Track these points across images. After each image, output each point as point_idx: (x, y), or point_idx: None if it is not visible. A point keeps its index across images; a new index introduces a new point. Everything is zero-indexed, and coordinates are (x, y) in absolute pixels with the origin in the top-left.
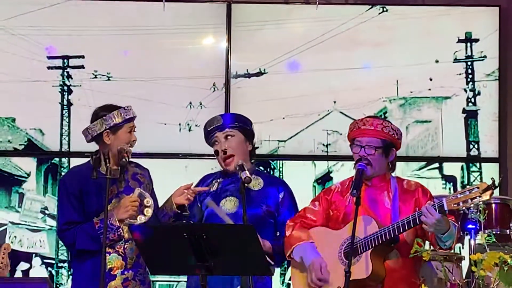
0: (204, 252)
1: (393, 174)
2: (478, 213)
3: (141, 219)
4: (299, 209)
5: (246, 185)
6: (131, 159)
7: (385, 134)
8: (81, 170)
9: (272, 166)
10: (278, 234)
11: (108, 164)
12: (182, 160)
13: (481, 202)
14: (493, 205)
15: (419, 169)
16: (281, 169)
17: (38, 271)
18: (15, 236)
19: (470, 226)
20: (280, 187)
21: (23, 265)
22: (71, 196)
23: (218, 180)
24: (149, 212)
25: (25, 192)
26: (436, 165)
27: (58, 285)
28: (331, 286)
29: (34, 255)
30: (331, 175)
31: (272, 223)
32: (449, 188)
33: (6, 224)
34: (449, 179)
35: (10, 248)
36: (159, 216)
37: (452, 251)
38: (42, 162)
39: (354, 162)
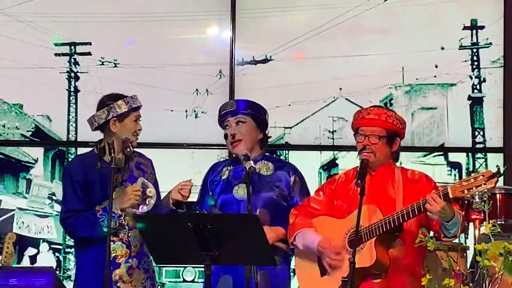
0: (208, 241)
1: (397, 164)
2: (483, 203)
3: (142, 208)
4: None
5: (257, 171)
6: (134, 149)
7: (389, 124)
8: (86, 158)
9: (278, 153)
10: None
11: (113, 153)
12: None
13: (486, 190)
14: (498, 195)
15: (424, 155)
16: (286, 156)
17: (46, 256)
18: (23, 222)
19: (474, 216)
20: (290, 171)
21: (31, 251)
22: (76, 184)
23: (229, 168)
24: (151, 202)
25: (33, 178)
26: (441, 152)
27: (65, 271)
28: (335, 273)
29: (41, 240)
30: (336, 161)
31: (286, 207)
32: (454, 175)
33: (13, 210)
34: (454, 165)
35: (15, 237)
36: (158, 209)
37: (457, 241)
38: (49, 149)
39: (358, 151)
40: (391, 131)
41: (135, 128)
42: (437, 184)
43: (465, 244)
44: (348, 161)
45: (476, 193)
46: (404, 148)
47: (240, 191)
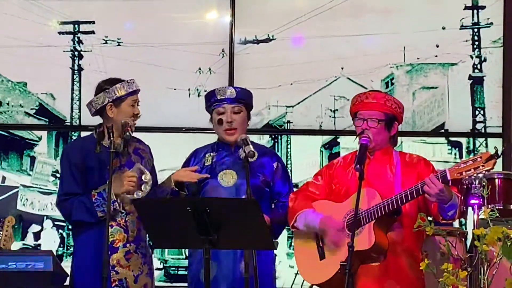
0: (207, 225)
1: (395, 148)
2: (482, 188)
3: (137, 194)
4: (302, 179)
5: (250, 159)
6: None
7: (387, 108)
8: (85, 142)
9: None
10: (273, 205)
11: (111, 138)
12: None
13: (484, 172)
14: (497, 180)
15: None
16: (288, 135)
17: (49, 233)
18: (27, 199)
19: (473, 201)
20: (273, 157)
21: (35, 227)
22: (73, 167)
23: (212, 154)
24: (146, 188)
25: (37, 156)
26: (442, 130)
27: (69, 247)
28: (334, 256)
29: (45, 217)
30: (338, 140)
31: (268, 193)
32: (455, 154)
33: (17, 187)
34: (455, 144)
35: (14, 221)
36: (157, 192)
37: (456, 226)
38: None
39: (356, 135)
40: (390, 115)
41: (132, 112)
42: (438, 163)
43: (464, 229)
44: (350, 140)
45: (475, 174)
46: (405, 133)
47: (225, 178)
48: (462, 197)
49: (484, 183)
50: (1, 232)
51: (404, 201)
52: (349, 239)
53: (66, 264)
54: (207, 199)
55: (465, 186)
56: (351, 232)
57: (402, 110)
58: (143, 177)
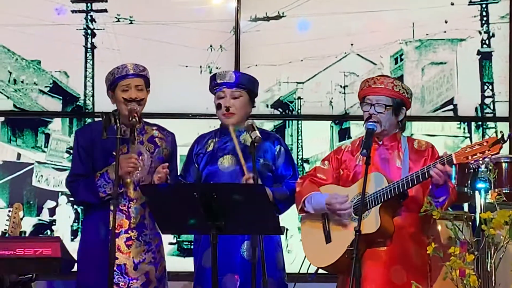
0: (214, 211)
1: (403, 134)
2: (488, 172)
3: (137, 175)
4: (313, 154)
5: (255, 144)
6: (155, 122)
7: (395, 93)
8: (96, 126)
9: (291, 108)
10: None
11: (118, 124)
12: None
13: (490, 156)
14: (504, 164)
15: (434, 110)
16: (299, 111)
17: (64, 209)
18: (42, 175)
19: (480, 184)
20: (276, 141)
21: (50, 203)
22: (81, 149)
23: (214, 140)
24: (136, 174)
25: (51, 133)
26: (451, 106)
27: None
28: (339, 240)
29: (60, 193)
30: (349, 114)
31: (271, 177)
32: (464, 128)
33: (33, 164)
34: (464, 119)
35: (22, 208)
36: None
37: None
38: (67, 104)
39: (364, 120)
40: (397, 100)
41: (127, 96)
42: (447, 137)
43: (470, 212)
44: (360, 115)
45: (480, 159)
46: (416, 118)
47: (225, 162)
48: (469, 181)
49: (491, 167)
50: (9, 219)
51: (410, 185)
52: (355, 223)
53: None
54: (214, 185)
55: (472, 170)
56: (358, 216)
57: (410, 96)
58: (141, 162)
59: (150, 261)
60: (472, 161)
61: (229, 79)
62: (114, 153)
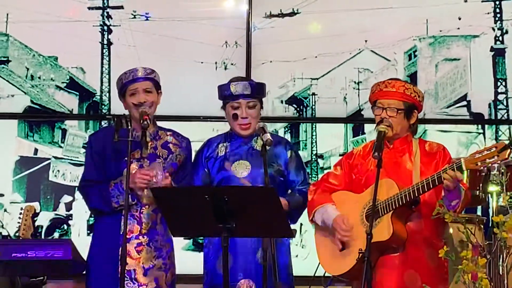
0: (225, 214)
1: (415, 137)
2: (501, 175)
3: (146, 193)
4: (326, 149)
5: (267, 147)
6: (171, 128)
7: (407, 96)
8: (109, 131)
9: (305, 104)
10: (289, 191)
11: (129, 127)
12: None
13: (499, 162)
14: None
15: (448, 106)
16: (314, 107)
17: (80, 203)
18: (58, 170)
19: (492, 188)
20: (287, 146)
21: (66, 198)
22: (95, 154)
23: (225, 144)
24: (148, 193)
25: (68, 128)
26: (464, 103)
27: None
28: (353, 247)
29: (76, 188)
30: (362, 112)
31: (283, 181)
32: (477, 125)
33: (49, 159)
34: (477, 116)
35: (34, 210)
36: None
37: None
38: (83, 100)
39: (375, 124)
40: (409, 104)
41: (136, 101)
42: (460, 133)
43: (483, 216)
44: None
45: (489, 165)
46: (430, 121)
47: (239, 168)
48: (481, 184)
49: (503, 170)
50: (20, 221)
51: (421, 192)
52: (367, 229)
53: None
54: (225, 188)
55: (483, 173)
56: (369, 223)
57: (422, 99)
58: (154, 179)
59: (160, 267)
60: (481, 167)
61: (246, 90)
62: (138, 158)
